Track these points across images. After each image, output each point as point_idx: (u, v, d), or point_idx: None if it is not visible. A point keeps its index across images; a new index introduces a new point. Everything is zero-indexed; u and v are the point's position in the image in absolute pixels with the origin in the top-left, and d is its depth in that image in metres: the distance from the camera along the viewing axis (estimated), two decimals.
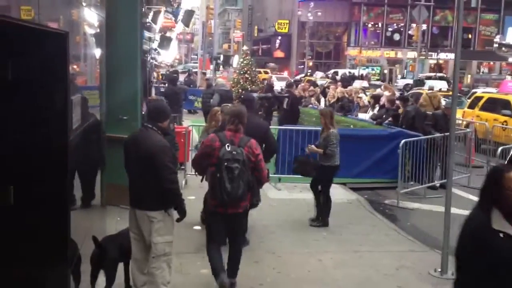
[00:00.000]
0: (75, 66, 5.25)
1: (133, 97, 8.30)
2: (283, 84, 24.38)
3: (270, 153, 6.89)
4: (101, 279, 5.20)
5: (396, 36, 56.67)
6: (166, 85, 19.67)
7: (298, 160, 8.40)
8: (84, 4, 6.06)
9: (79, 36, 5.80)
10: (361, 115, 14.17)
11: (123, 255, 5.31)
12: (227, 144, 5.27)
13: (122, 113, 8.04)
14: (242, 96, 11.08)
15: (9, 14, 3.48)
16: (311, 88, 18.33)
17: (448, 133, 10.21)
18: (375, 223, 8.42)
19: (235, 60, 32.31)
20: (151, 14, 17.95)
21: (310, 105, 16.98)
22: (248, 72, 18.11)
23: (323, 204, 8.16)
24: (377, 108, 13.78)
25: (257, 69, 28.19)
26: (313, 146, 8.19)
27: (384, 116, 12.56)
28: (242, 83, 17.90)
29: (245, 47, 23.45)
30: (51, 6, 4.65)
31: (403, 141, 9.97)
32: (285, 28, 56.62)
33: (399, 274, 6.40)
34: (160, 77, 26.60)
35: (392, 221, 8.74)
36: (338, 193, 10.11)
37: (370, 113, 13.90)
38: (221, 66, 32.26)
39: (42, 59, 4.22)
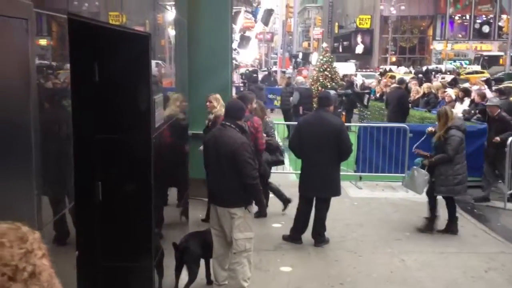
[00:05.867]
0: (157, 68, 5.42)
1: (223, 94, 8.48)
2: (369, 81, 23.91)
3: (342, 153, 6.81)
4: (184, 273, 5.34)
5: (485, 28, 53.90)
6: (246, 84, 19.91)
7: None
8: (168, 8, 6.24)
9: (163, 38, 5.98)
10: None
11: (205, 251, 5.43)
12: None
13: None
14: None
15: (100, 18, 3.64)
16: (394, 84, 17.81)
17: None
18: (462, 223, 8.04)
19: (314, 58, 32.09)
20: (232, 14, 18.22)
21: None
22: (328, 69, 17.92)
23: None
24: (465, 101, 13.15)
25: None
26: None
27: (472, 111, 11.97)
28: (321, 80, 17.72)
29: (324, 44, 23.25)
30: (136, 10, 4.83)
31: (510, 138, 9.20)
32: (366, 23, 55.49)
33: (488, 276, 6.08)
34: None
35: (481, 221, 8.32)
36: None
37: (458, 107, 13.29)
38: (300, 64, 32.16)
39: (126, 61, 4.40)
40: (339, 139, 6.68)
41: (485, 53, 43.61)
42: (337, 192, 6.97)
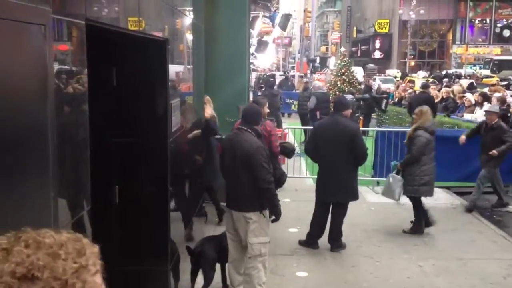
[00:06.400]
0: (175, 72, 5.47)
1: (240, 99, 8.51)
2: (388, 86, 23.78)
3: (357, 158, 6.76)
4: (200, 277, 5.36)
5: (506, 32, 53.24)
6: (263, 88, 19.98)
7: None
8: (185, 13, 6.30)
9: (180, 43, 6.04)
10: (467, 116, 13.46)
11: (221, 256, 5.45)
12: None
13: (228, 115, 8.25)
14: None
15: (118, 24, 3.68)
16: (410, 90, 17.75)
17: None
18: (481, 229, 7.95)
19: (332, 62, 31.96)
20: (250, 19, 18.31)
21: None
22: (346, 73, 17.87)
23: None
24: (485, 106, 13.02)
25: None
26: None
27: None
28: (339, 85, 17.67)
29: (342, 49, 23.18)
30: (154, 16, 4.88)
31: None
32: (385, 28, 55.15)
33: (507, 283, 5.99)
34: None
35: (501, 227, 8.21)
36: (441, 197, 9.69)
37: (477, 112, 13.16)
38: (318, 68, 32.09)
39: (143, 66, 4.44)
40: (353, 143, 6.65)
41: (495, 57, 43.00)
42: (354, 196, 6.92)
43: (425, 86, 15.02)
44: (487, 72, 36.90)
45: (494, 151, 8.61)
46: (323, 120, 7.67)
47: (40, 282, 0.95)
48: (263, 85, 22.42)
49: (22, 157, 2.00)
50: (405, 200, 9.46)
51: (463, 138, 9.19)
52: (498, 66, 37.91)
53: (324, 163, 6.90)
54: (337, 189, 6.75)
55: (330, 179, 6.77)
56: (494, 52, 49.70)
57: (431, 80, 23.65)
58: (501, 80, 27.11)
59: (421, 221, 7.70)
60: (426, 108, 7.89)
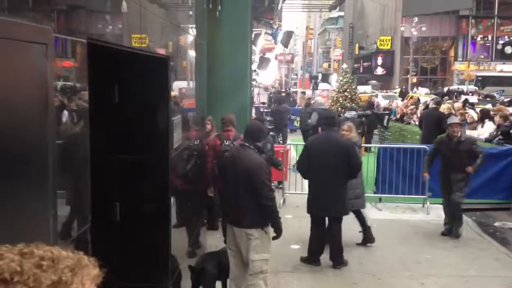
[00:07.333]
0: (177, 89, 5.50)
1: (242, 115, 8.56)
2: (386, 102, 23.83)
3: (352, 168, 6.79)
4: None
5: (508, 49, 53.42)
6: (273, 105, 20.07)
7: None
8: (188, 30, 6.36)
9: (182, 60, 6.08)
10: (469, 132, 13.44)
11: (222, 272, 5.42)
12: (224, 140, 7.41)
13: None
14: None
15: (120, 42, 3.72)
16: (412, 106, 17.78)
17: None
18: (483, 246, 7.90)
19: (333, 79, 32.06)
20: (252, 36, 18.45)
21: (412, 122, 16.46)
22: (348, 90, 17.93)
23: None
24: (486, 123, 13.01)
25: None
26: None
27: (494, 133, 11.83)
28: (341, 101, 17.73)
29: (344, 65, 23.28)
30: (157, 33, 4.93)
31: None
32: (387, 44, 55.42)
33: None
34: None
35: (503, 244, 8.15)
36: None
37: (479, 129, 13.15)
38: (319, 85, 32.22)
39: (145, 83, 4.48)
40: (348, 155, 6.67)
41: (478, 73, 43.18)
42: (346, 211, 6.95)
43: (438, 102, 14.88)
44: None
45: (470, 168, 7.98)
46: (315, 136, 7.72)
47: (10, 285, 0.95)
48: (265, 102, 22.49)
49: (22, 174, 2.01)
50: (407, 216, 9.47)
51: (426, 175, 8.84)
52: (482, 82, 38.06)
53: (316, 178, 6.89)
54: (329, 204, 6.76)
55: (321, 194, 6.78)
56: (470, 68, 49.73)
57: (433, 97, 23.66)
58: (485, 96, 27.20)
59: (368, 230, 7.79)
60: (351, 124, 8.01)
